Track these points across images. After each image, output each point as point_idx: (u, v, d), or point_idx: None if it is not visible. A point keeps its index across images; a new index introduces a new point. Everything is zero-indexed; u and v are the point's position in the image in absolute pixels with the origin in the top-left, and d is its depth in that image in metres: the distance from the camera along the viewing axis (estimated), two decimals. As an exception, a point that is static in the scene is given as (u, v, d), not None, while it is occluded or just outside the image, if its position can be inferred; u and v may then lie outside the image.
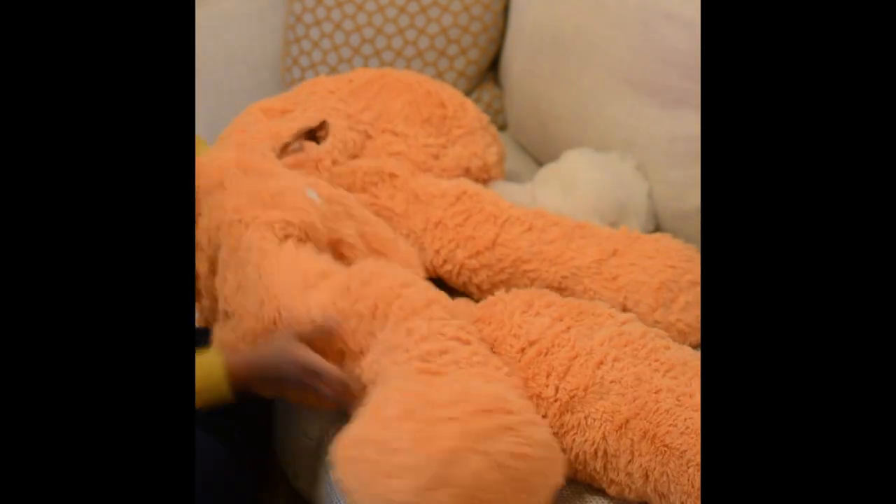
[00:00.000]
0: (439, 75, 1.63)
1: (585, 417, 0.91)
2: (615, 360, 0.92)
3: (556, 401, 0.92)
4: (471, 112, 1.35)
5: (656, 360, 0.92)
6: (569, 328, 0.97)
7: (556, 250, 1.15)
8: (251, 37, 1.72)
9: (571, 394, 0.91)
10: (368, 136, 1.29)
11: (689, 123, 1.26)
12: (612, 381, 0.91)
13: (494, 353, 0.97)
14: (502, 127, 1.74)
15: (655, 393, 0.88)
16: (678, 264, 1.15)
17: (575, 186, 1.31)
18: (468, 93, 1.68)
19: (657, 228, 1.40)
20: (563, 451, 0.91)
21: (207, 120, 1.51)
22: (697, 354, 0.96)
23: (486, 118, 1.39)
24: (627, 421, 0.88)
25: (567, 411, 0.92)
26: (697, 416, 0.86)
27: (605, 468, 0.90)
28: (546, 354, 0.95)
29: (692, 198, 1.30)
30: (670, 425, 0.86)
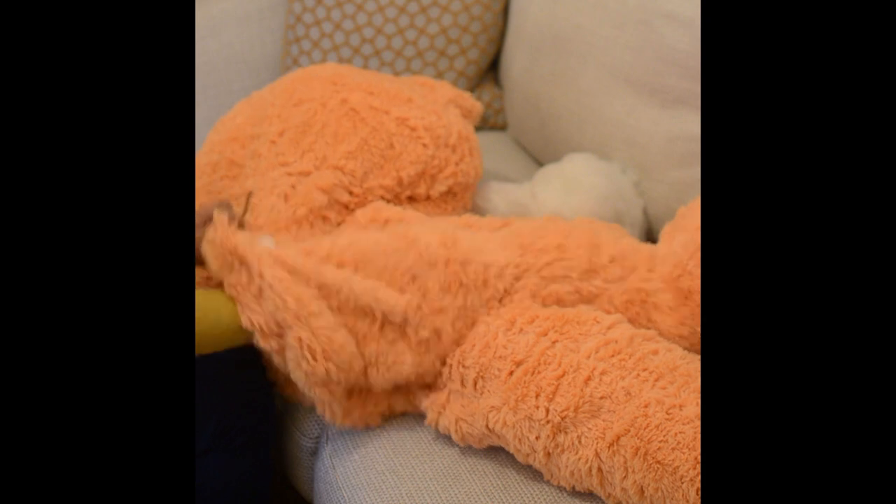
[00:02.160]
0: (439, 75, 1.63)
1: (579, 437, 0.90)
2: (603, 373, 0.91)
3: (547, 422, 0.91)
4: (423, 139, 1.24)
5: (644, 370, 0.91)
6: (554, 342, 0.95)
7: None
8: (251, 37, 1.72)
9: (563, 415, 0.90)
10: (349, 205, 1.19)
11: (689, 123, 1.26)
12: (601, 398, 0.90)
13: (484, 379, 0.96)
14: (502, 127, 1.74)
15: (645, 407, 0.87)
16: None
17: (577, 189, 1.31)
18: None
19: (651, 238, 1.41)
20: (559, 468, 0.92)
21: (207, 120, 1.51)
22: (687, 356, 0.95)
23: (441, 132, 1.26)
24: (619, 437, 0.87)
25: (560, 432, 0.91)
26: (688, 429, 0.85)
27: (601, 484, 0.90)
28: (533, 374, 0.93)
29: (692, 198, 1.30)
30: (661, 441, 0.85)
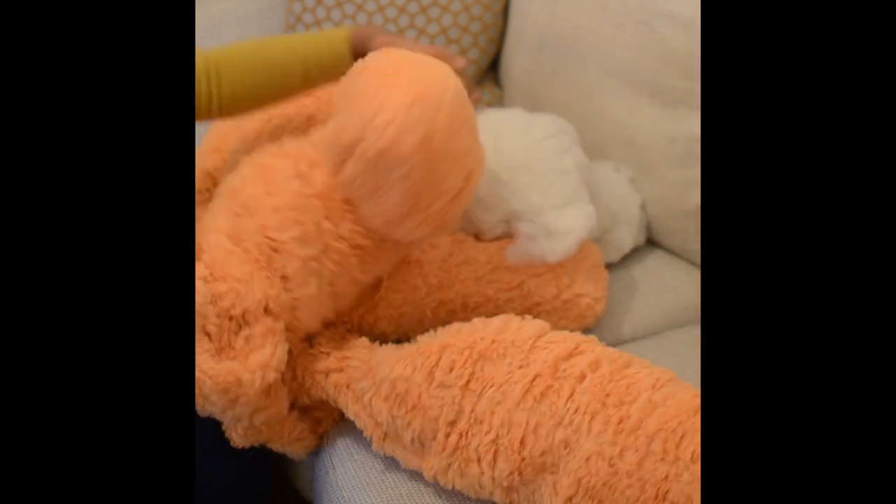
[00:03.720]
0: (439, 75, 1.63)
1: (531, 493, 0.89)
2: (537, 426, 0.88)
3: (496, 486, 0.90)
4: None
5: (576, 412, 0.88)
6: (480, 394, 0.91)
7: (449, 274, 1.12)
8: (251, 37, 1.72)
9: (508, 480, 0.89)
10: None
11: (689, 123, 1.26)
12: (542, 454, 0.88)
13: (422, 441, 0.94)
14: (502, 127, 1.74)
15: (586, 461, 0.85)
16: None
17: None
18: (468, 93, 1.68)
19: (651, 238, 1.41)
20: None
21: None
22: (613, 372, 0.91)
23: None
24: (570, 498, 0.86)
25: (512, 491, 0.90)
26: (633, 481, 0.83)
27: None
28: (468, 436, 0.91)
29: (692, 198, 1.30)
30: (612, 501, 0.84)
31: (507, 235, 1.19)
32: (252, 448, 1.07)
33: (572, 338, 0.95)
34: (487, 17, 1.63)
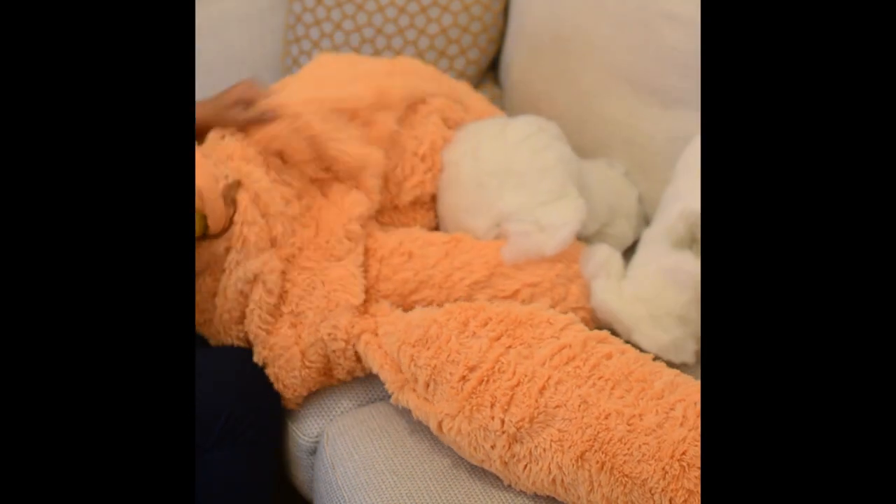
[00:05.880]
0: (439, 75, 1.63)
1: (535, 447, 0.89)
2: (558, 382, 0.90)
3: (503, 433, 0.90)
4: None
5: (600, 378, 0.90)
6: (508, 348, 0.94)
7: (442, 273, 1.12)
8: (251, 37, 1.72)
9: (518, 426, 0.90)
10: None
11: (689, 123, 1.26)
12: (556, 407, 0.89)
13: (436, 382, 0.96)
14: (502, 127, 1.74)
15: (605, 418, 0.87)
16: (563, 258, 1.15)
17: None
18: (468, 93, 1.68)
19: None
20: (517, 476, 0.92)
21: (207, 120, 1.51)
22: (640, 359, 0.94)
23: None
24: (583, 454, 0.86)
25: (515, 442, 0.90)
26: (651, 439, 0.84)
27: (566, 493, 0.89)
28: (487, 382, 0.92)
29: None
30: (626, 455, 0.84)
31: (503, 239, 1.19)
32: (254, 446, 1.07)
33: (604, 332, 0.99)
34: (487, 17, 1.63)
